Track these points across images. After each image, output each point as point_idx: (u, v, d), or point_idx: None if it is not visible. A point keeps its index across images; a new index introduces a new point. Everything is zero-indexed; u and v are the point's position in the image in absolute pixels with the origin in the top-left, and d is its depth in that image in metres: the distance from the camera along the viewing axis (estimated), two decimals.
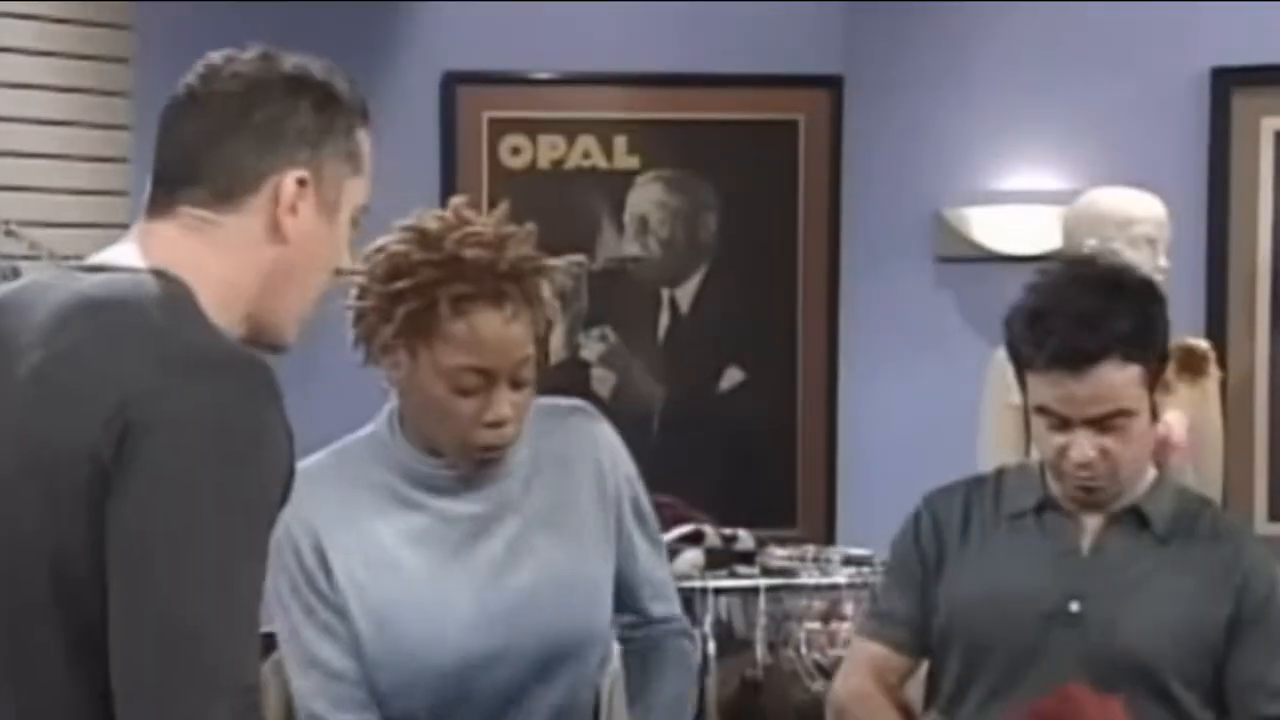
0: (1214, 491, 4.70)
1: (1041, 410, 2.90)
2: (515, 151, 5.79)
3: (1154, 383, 2.90)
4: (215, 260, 1.96)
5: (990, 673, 2.93)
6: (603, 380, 5.81)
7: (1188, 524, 2.97)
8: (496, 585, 2.66)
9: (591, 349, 5.84)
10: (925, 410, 5.54)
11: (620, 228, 5.84)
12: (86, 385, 1.84)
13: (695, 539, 5.00)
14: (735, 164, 5.87)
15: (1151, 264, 4.55)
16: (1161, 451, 4.46)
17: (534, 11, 5.75)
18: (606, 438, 2.79)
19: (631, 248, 5.80)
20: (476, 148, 5.77)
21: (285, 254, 1.98)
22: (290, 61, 2.01)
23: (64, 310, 1.91)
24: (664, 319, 5.88)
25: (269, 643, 4.30)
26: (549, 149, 5.82)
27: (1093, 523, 2.95)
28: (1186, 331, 4.76)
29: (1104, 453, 2.87)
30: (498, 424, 2.59)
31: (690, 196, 5.88)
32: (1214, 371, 4.65)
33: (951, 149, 5.68)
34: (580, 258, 5.61)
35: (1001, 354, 4.45)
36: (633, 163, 5.86)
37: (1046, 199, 5.35)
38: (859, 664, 3.10)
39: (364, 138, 2.04)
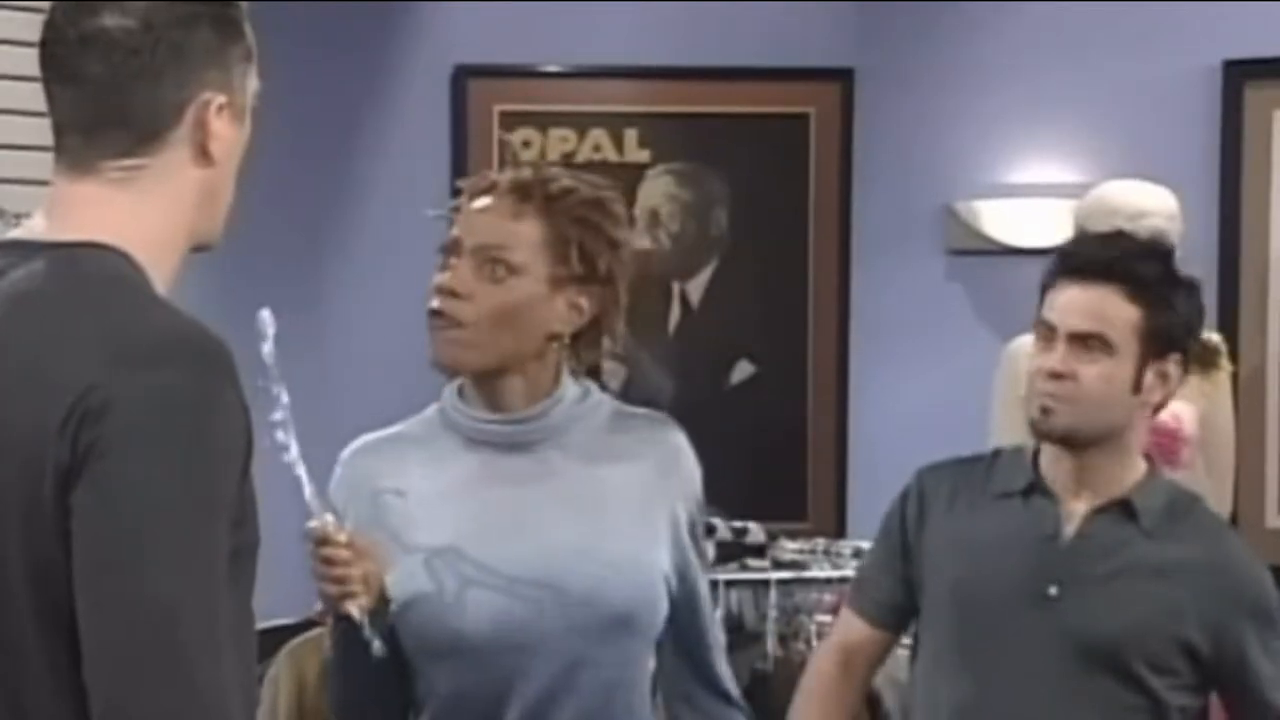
0: (1225, 485, 4.70)
1: (1038, 325, 2.92)
2: (526, 144, 5.78)
3: (1148, 353, 2.90)
4: (149, 211, 1.93)
5: (965, 648, 2.94)
6: (613, 373, 5.80)
7: (1176, 521, 2.96)
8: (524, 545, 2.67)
9: None
10: (936, 403, 5.53)
11: (630, 221, 5.83)
12: (36, 391, 1.80)
13: (706, 532, 4.99)
14: (746, 157, 5.86)
15: None
16: (1172, 444, 4.47)
17: (544, 5, 5.74)
18: (692, 459, 2.90)
19: (642, 241, 5.79)
20: (487, 141, 5.77)
21: (212, 173, 1.97)
22: None
23: (3, 310, 1.87)
24: (674, 312, 5.88)
25: (280, 635, 4.32)
26: (559, 142, 5.82)
27: (1079, 509, 2.94)
28: None
29: (1072, 374, 2.87)
30: (441, 290, 2.62)
31: (701, 190, 5.88)
32: (1226, 365, 4.64)
33: (962, 142, 5.68)
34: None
35: (1013, 347, 4.51)
36: (643, 156, 5.86)
37: (1058, 192, 5.35)
38: (832, 645, 3.14)
39: (248, 25, 2.00)
